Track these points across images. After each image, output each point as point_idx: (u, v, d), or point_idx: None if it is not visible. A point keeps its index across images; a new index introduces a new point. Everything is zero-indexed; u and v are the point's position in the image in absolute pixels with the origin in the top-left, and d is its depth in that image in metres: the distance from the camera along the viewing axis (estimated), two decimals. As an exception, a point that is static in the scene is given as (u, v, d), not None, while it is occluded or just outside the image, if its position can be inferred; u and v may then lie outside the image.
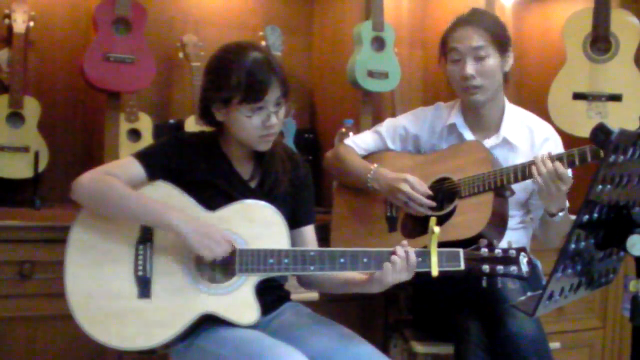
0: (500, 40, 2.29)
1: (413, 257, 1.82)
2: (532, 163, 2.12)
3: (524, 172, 2.15)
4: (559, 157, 2.12)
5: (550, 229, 2.29)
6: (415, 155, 2.45)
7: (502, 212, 2.23)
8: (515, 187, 2.24)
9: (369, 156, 2.49)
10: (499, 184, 2.19)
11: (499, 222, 2.20)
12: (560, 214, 2.19)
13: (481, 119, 2.37)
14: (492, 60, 2.27)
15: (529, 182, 2.21)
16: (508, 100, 2.42)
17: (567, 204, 2.31)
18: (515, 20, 3.65)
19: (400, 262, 1.81)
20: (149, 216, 1.85)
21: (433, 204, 2.27)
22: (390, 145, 2.49)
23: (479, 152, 2.28)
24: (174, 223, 1.82)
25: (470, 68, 2.25)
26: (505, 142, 2.34)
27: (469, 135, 2.37)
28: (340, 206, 2.55)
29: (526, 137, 2.36)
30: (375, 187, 2.36)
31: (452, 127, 2.39)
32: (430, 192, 2.28)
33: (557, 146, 2.36)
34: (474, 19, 2.30)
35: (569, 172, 2.14)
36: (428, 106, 2.51)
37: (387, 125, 2.51)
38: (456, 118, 2.38)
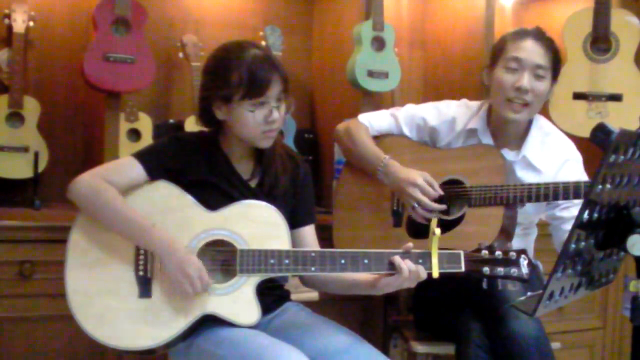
0: (557, 69, 2.26)
1: (423, 273, 1.82)
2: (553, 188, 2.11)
3: (538, 193, 2.12)
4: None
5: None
6: (429, 148, 2.38)
7: (510, 226, 2.21)
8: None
9: (382, 139, 2.41)
10: (511, 201, 2.16)
11: (505, 236, 2.18)
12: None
13: (505, 131, 2.30)
14: (546, 84, 2.23)
15: (542, 204, 2.19)
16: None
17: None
18: (515, 20, 3.65)
19: (407, 274, 1.81)
20: (133, 240, 1.86)
21: (443, 207, 2.22)
22: (406, 132, 2.40)
23: (495, 159, 2.23)
24: (158, 255, 1.83)
25: (528, 81, 2.19)
26: (525, 161, 2.29)
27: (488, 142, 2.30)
28: (346, 185, 2.46)
29: (546, 158, 2.29)
30: (384, 181, 2.30)
31: (472, 132, 2.32)
32: (441, 192, 2.22)
33: (577, 168, 2.29)
34: (544, 38, 2.24)
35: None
36: (454, 100, 2.43)
37: (406, 112, 2.42)
38: (478, 124, 2.31)
